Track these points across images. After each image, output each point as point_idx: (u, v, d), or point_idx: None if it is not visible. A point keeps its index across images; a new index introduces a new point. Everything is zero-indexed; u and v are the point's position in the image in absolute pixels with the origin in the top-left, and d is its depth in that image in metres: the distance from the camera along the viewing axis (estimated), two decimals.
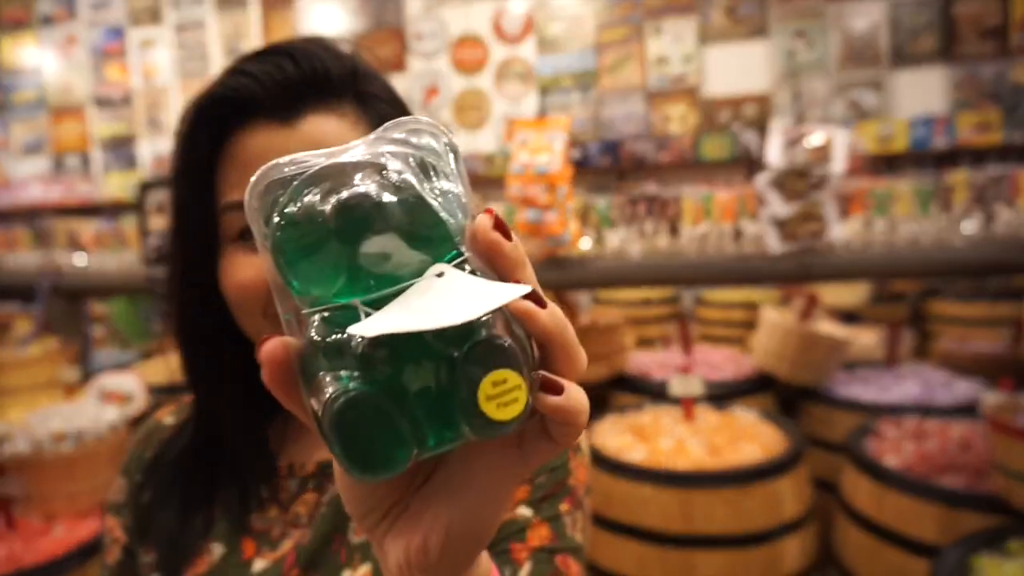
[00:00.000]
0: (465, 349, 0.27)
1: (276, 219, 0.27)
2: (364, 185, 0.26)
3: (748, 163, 4.79)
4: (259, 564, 0.58)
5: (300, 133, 0.53)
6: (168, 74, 6.05)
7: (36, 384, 2.46)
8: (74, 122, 6.35)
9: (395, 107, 0.60)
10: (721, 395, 2.33)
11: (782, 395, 2.55)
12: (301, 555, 0.57)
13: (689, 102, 4.99)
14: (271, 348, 0.27)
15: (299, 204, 0.27)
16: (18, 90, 6.47)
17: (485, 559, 0.37)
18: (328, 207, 0.26)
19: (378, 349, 0.26)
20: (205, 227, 0.55)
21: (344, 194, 0.26)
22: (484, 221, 0.29)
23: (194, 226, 0.56)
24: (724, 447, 1.86)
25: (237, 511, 0.60)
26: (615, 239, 2.22)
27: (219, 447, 0.62)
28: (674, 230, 2.29)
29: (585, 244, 2.23)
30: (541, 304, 0.29)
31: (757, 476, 1.68)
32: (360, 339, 0.26)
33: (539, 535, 0.55)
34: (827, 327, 2.61)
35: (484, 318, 0.28)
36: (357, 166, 0.27)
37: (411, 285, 0.27)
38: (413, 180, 0.27)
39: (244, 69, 0.55)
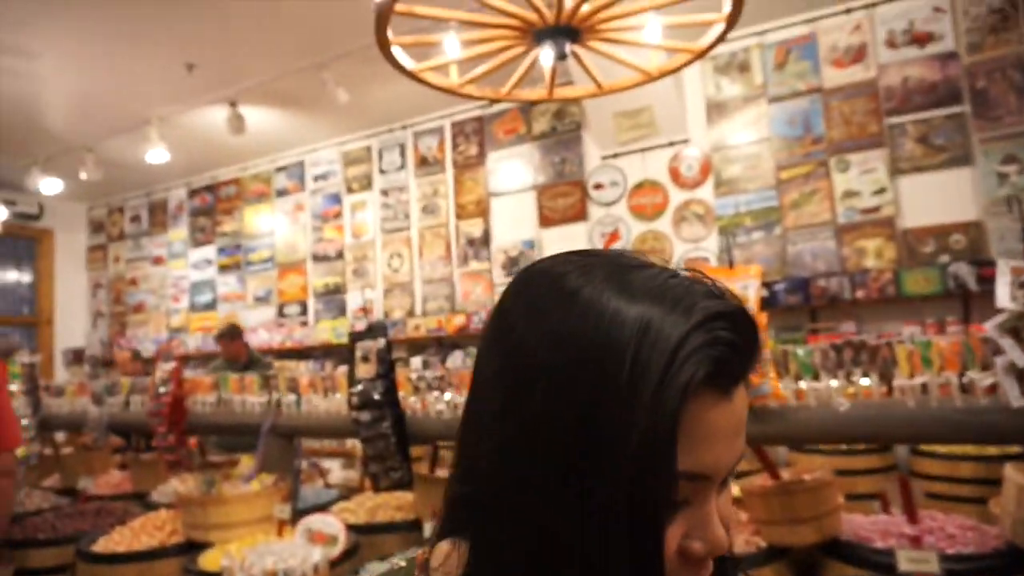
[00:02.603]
0: None
1: None
2: None
3: (963, 297, 4.34)
4: None
5: (734, 407, 0.52)
6: (373, 231, 6.81)
7: (254, 519, 2.67)
8: (296, 275, 7.27)
9: None
10: (963, 573, 1.98)
11: None
12: None
13: (886, 235, 4.71)
14: None
15: None
16: (255, 251, 7.58)
17: None
18: None
19: None
20: (661, 501, 0.49)
21: None
22: None
23: (650, 504, 0.49)
24: None
25: None
26: (819, 388, 2.06)
27: None
28: (884, 377, 2.08)
29: (786, 393, 2.09)
30: None
31: None
32: None
33: None
34: None
35: None
36: None
37: None
38: None
39: (730, 340, 0.50)
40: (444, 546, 0.63)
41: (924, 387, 1.97)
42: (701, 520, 0.51)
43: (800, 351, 2.08)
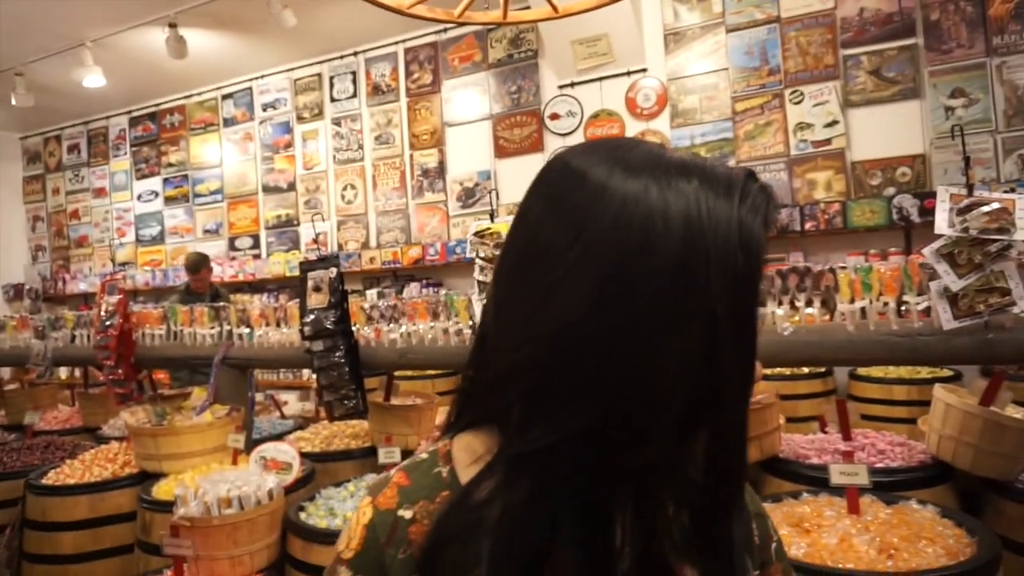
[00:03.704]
0: None
1: None
2: None
3: (906, 229, 4.47)
4: None
5: None
6: (326, 161, 6.64)
7: (208, 449, 2.67)
8: (247, 207, 7.07)
9: None
10: (890, 485, 2.10)
11: (962, 488, 2.26)
12: None
13: (836, 167, 4.78)
14: None
15: None
16: (203, 182, 7.33)
17: None
18: None
19: None
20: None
21: None
22: None
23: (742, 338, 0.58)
24: (900, 547, 1.66)
25: None
26: (764, 313, 2.11)
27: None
28: (826, 304, 2.15)
29: None
30: None
31: None
32: None
33: None
34: (1015, 411, 2.30)
35: None
36: None
37: None
38: None
39: (766, 189, 0.58)
40: (465, 437, 0.66)
41: (863, 312, 2.04)
42: None
43: None
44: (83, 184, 8.14)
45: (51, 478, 2.78)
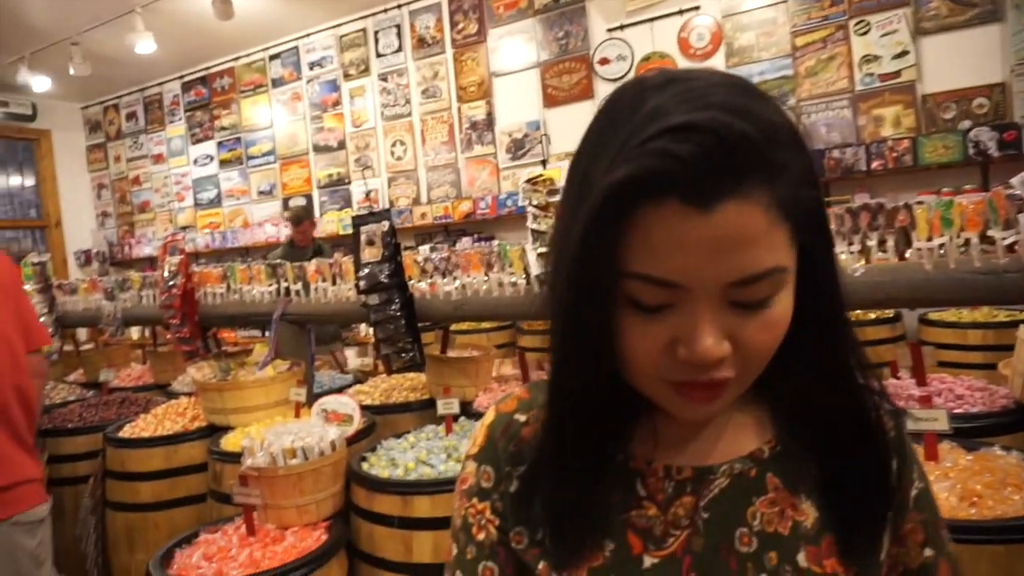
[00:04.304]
0: None
1: None
2: None
3: (983, 164, 4.20)
4: (648, 560, 0.63)
5: (711, 221, 0.49)
6: (374, 118, 6.62)
7: (271, 403, 2.73)
8: (299, 167, 7.14)
9: (812, 187, 0.54)
10: (970, 432, 2.00)
11: None
12: (696, 563, 0.63)
13: (905, 101, 4.51)
14: None
15: None
16: (255, 144, 7.42)
17: None
18: None
19: None
20: (603, 290, 0.55)
21: None
22: None
23: (591, 288, 0.55)
24: (984, 494, 1.58)
25: (620, 509, 0.65)
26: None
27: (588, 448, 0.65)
28: (899, 244, 2.03)
29: None
30: None
31: None
32: None
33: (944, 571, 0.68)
34: None
35: None
36: None
37: None
38: None
39: (666, 149, 0.49)
40: None
41: (941, 249, 1.92)
42: (686, 327, 0.53)
43: None
44: (142, 151, 8.35)
45: (127, 431, 2.90)
